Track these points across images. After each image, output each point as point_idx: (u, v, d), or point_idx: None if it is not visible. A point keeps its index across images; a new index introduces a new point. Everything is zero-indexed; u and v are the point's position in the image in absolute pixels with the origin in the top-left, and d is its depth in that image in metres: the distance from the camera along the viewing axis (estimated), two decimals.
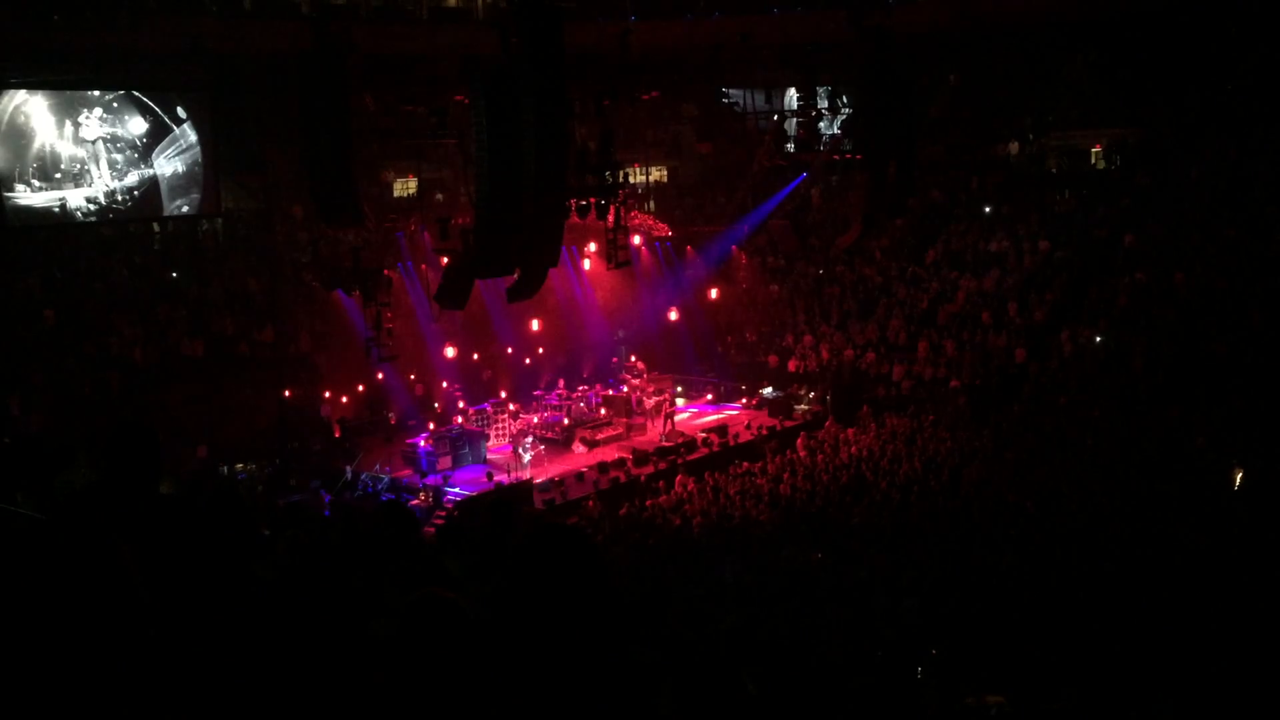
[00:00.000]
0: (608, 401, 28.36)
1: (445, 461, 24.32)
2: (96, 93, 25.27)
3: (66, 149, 24.82)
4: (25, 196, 24.38)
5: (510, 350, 30.59)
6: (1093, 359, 25.81)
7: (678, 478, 22.99)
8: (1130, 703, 9.17)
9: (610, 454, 25.11)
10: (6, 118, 23.97)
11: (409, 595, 2.83)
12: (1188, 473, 19.74)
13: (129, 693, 2.38)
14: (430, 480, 23.26)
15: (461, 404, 27.20)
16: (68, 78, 24.68)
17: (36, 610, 2.27)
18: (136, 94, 25.88)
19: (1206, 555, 15.36)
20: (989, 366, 27.09)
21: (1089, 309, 27.37)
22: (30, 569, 2.36)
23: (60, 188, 24.84)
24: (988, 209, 32.09)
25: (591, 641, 2.33)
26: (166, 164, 26.37)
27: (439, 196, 31.35)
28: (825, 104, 31.12)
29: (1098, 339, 26.24)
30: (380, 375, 26.85)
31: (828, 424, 26.25)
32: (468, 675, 2.51)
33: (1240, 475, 19.42)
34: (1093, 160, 33.61)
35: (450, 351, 27.67)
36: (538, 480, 23.32)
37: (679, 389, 30.29)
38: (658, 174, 37.72)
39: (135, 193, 26.05)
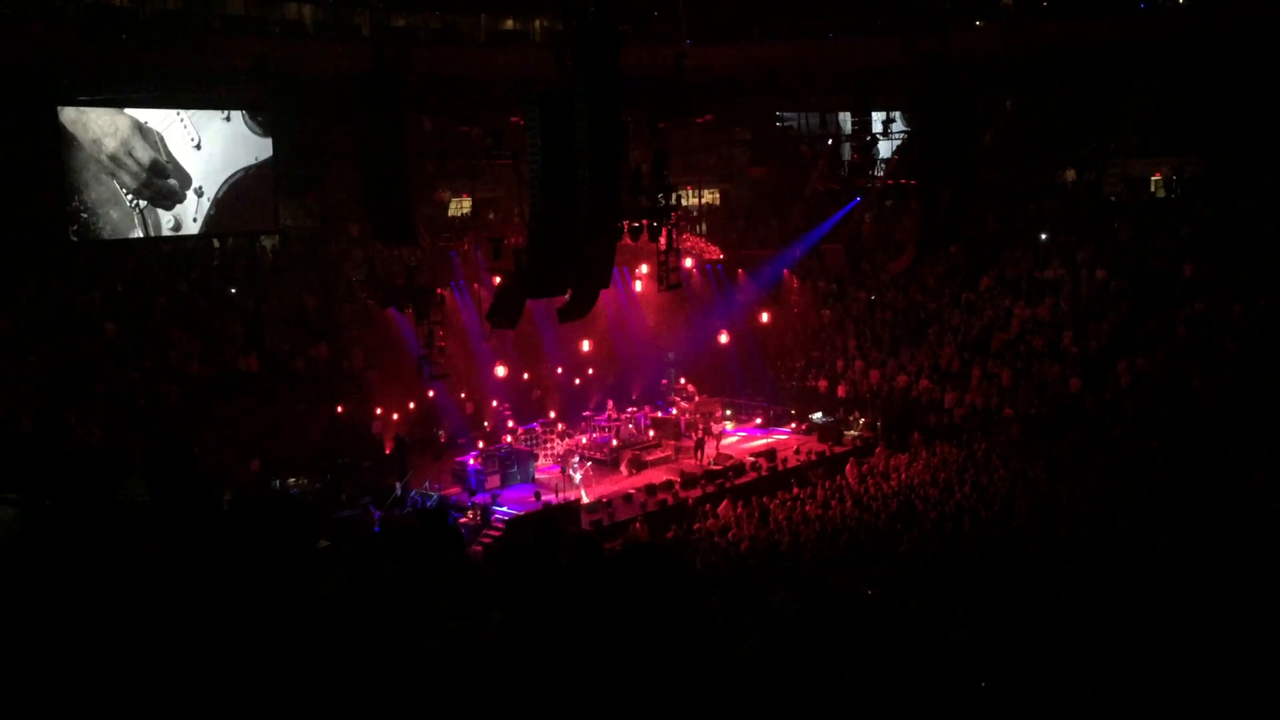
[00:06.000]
0: (656, 423, 28.34)
1: (494, 480, 24.43)
2: (162, 111, 25.74)
3: (130, 166, 25.29)
4: (90, 212, 24.86)
5: (560, 370, 30.71)
6: (1150, 390, 25.37)
7: (723, 502, 22.86)
8: None
9: (658, 476, 25.06)
10: (71, 134, 24.48)
11: (455, 620, 2.80)
12: (1247, 508, 19.30)
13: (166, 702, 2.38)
14: (479, 499, 23.37)
15: (511, 423, 27.31)
16: (133, 96, 25.18)
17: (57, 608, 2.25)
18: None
19: (1267, 592, 14.99)
20: (1043, 396, 26.73)
21: (1147, 339, 26.93)
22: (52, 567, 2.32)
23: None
24: (1044, 236, 31.74)
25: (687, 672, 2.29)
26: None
27: (492, 216, 31.60)
28: (880, 128, 31.01)
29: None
30: (431, 393, 27.07)
31: (878, 450, 26.03)
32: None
33: None
34: (1152, 189, 33.17)
35: (501, 371, 27.83)
36: (585, 501, 23.34)
37: (728, 412, 30.17)
38: (710, 197, 37.74)
39: None
